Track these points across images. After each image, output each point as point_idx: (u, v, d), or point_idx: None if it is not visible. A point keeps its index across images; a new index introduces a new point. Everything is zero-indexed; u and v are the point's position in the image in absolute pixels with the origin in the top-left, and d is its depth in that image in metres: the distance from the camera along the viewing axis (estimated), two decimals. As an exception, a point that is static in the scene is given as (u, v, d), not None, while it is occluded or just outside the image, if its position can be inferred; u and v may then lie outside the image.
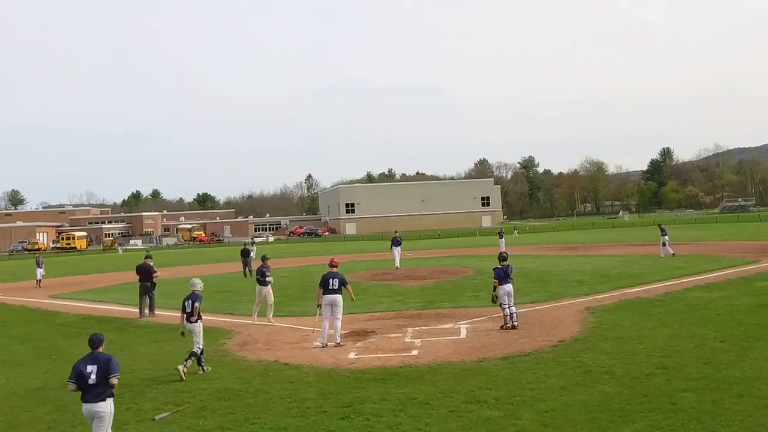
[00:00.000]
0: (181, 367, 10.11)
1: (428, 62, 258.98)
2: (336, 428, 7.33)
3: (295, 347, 12.30)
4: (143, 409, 8.47)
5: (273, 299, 15.69)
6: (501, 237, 39.83)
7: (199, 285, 11.14)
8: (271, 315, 15.50)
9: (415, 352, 11.15)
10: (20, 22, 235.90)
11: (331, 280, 12.33)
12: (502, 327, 12.91)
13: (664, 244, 27.63)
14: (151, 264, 18.60)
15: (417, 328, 13.52)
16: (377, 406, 8.03)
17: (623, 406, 7.49)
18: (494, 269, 13.36)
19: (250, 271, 29.14)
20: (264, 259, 15.99)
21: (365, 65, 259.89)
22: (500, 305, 13.03)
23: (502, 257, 13.71)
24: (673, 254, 27.18)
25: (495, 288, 13.07)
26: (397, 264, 29.01)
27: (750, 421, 6.77)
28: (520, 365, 9.76)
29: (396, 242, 30.36)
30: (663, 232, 28.04)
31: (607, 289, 17.97)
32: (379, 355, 11.20)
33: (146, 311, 17.97)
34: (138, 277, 18.38)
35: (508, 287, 13.06)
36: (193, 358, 10.35)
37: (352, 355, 11.17)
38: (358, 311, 15.71)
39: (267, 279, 15.34)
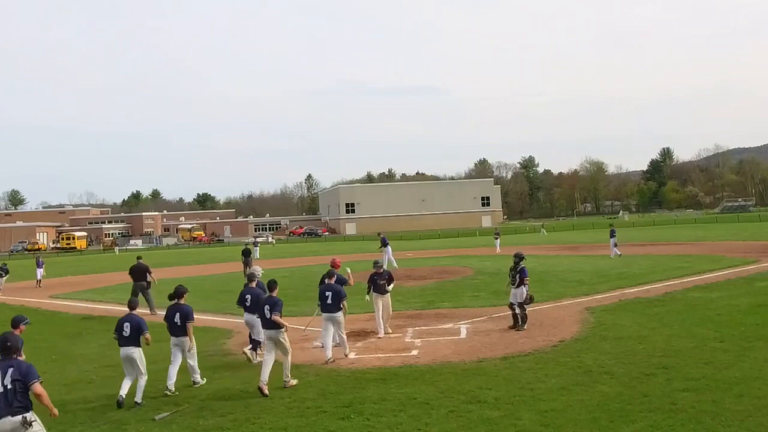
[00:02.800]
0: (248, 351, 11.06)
1: (428, 62, 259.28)
2: (336, 428, 7.32)
3: (295, 347, 12.25)
4: (143, 409, 8.46)
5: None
6: (497, 238, 39.98)
7: (259, 272, 12.12)
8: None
9: (415, 352, 11.15)
10: (20, 22, 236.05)
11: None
12: (512, 327, 12.82)
13: (615, 245, 29.55)
14: (146, 264, 19.01)
15: (417, 328, 13.52)
16: (377, 406, 8.03)
17: (623, 406, 7.49)
18: (523, 269, 13.03)
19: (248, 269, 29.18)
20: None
21: (365, 65, 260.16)
22: (511, 305, 12.95)
23: (521, 257, 13.33)
24: (612, 256, 28.59)
25: (528, 285, 12.97)
26: (395, 264, 28.99)
27: (750, 421, 6.76)
28: (520, 365, 9.75)
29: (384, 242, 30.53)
30: (611, 234, 30.06)
31: (607, 289, 17.97)
32: (379, 355, 11.20)
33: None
34: (132, 278, 18.70)
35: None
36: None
37: (352, 355, 11.16)
38: (358, 311, 15.69)
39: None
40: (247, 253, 30.55)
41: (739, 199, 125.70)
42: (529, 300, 13.04)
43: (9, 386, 5.71)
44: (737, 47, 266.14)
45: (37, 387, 5.80)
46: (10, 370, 5.75)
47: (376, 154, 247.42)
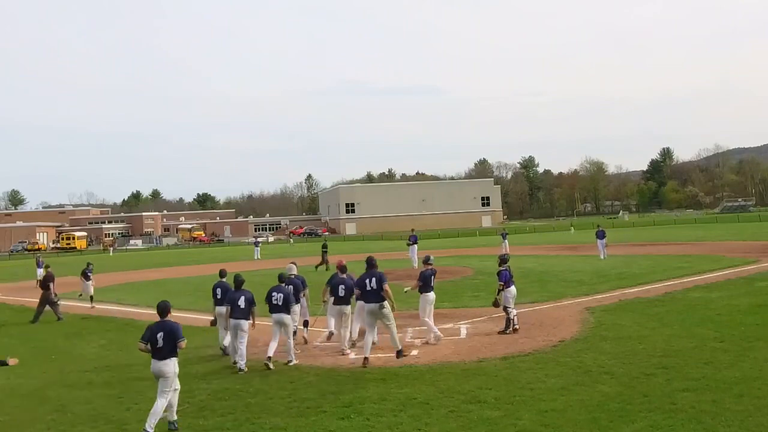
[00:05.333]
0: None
1: (428, 62, 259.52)
2: (336, 428, 7.32)
3: (295, 347, 12.28)
4: (143, 409, 8.44)
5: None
6: (504, 238, 38.60)
7: (294, 269, 12.40)
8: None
9: (415, 352, 11.15)
10: (20, 22, 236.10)
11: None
12: (502, 332, 12.52)
13: (605, 246, 29.65)
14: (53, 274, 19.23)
15: (417, 328, 13.50)
16: (377, 406, 8.03)
17: (623, 406, 7.49)
18: (500, 272, 12.79)
19: (326, 263, 30.95)
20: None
21: (365, 65, 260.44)
22: (505, 309, 12.69)
23: (505, 259, 13.20)
24: (604, 257, 28.57)
25: (499, 291, 12.63)
26: (415, 264, 29.00)
27: (750, 421, 6.76)
28: (520, 365, 9.75)
29: (414, 240, 30.62)
30: (599, 236, 29.76)
31: (607, 289, 17.97)
32: (379, 355, 11.20)
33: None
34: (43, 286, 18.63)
35: (513, 289, 12.73)
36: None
37: (352, 355, 11.16)
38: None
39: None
40: (325, 246, 32.87)
41: (739, 199, 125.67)
42: (494, 304, 12.80)
43: (374, 286, 10.44)
44: (737, 47, 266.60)
45: (386, 286, 10.46)
46: (374, 279, 10.46)
47: (376, 154, 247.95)
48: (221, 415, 8.00)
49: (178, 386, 7.82)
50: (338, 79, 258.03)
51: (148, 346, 7.69)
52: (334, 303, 11.93)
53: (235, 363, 10.55)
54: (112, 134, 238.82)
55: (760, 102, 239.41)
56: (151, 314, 18.00)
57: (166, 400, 7.53)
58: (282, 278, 11.56)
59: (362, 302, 11.03)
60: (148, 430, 7.28)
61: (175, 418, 7.68)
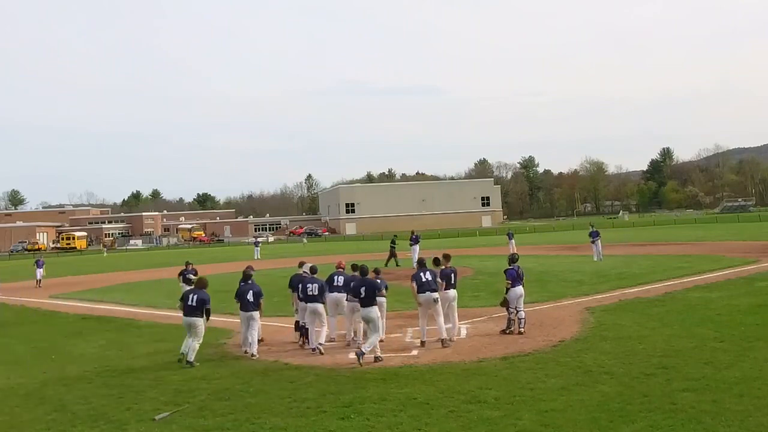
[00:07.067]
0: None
1: (428, 62, 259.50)
2: (336, 428, 7.32)
3: (295, 347, 12.31)
4: (143, 409, 8.46)
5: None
6: (511, 238, 37.90)
7: (306, 267, 12.58)
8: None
9: (415, 352, 11.16)
10: (20, 22, 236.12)
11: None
12: (503, 331, 12.47)
13: (602, 246, 28.93)
14: None
15: (417, 328, 13.49)
16: (377, 406, 8.03)
17: (623, 406, 7.49)
18: (506, 270, 12.76)
19: (395, 258, 31.02)
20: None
21: (365, 65, 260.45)
22: (507, 308, 12.67)
23: (513, 258, 13.15)
24: (601, 259, 27.92)
25: (507, 290, 12.61)
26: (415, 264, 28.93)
27: (750, 421, 6.76)
28: (520, 365, 9.75)
29: (415, 240, 30.59)
30: (593, 237, 29.00)
31: (607, 289, 17.96)
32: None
33: None
34: None
35: (520, 290, 12.55)
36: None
37: (352, 355, 11.16)
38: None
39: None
40: (393, 242, 32.62)
41: (739, 199, 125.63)
42: (501, 303, 12.82)
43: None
44: (737, 47, 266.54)
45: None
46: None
47: (376, 154, 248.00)
48: (221, 415, 8.00)
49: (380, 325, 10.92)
50: (338, 79, 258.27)
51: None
52: (348, 300, 12.11)
53: (245, 352, 11.58)
54: (112, 134, 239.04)
55: (760, 102, 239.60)
56: (151, 314, 18.07)
57: (380, 331, 10.91)
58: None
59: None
60: (365, 350, 10.32)
61: (367, 349, 10.42)
